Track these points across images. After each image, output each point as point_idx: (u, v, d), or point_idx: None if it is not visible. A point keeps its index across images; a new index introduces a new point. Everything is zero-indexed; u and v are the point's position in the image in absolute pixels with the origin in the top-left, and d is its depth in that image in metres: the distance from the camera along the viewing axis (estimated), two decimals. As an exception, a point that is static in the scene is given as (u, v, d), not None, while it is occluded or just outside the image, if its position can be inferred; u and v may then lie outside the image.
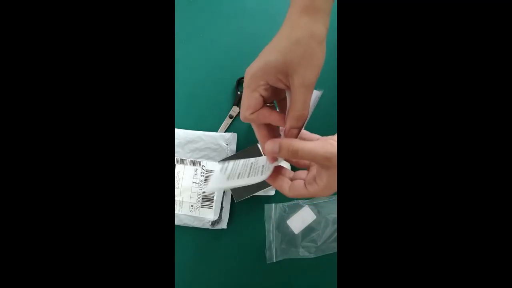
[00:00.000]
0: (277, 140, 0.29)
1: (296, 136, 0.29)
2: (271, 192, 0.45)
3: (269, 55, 0.28)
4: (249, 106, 0.29)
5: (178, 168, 0.46)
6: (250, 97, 0.29)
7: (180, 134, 0.47)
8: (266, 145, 0.29)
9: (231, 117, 0.48)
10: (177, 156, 0.46)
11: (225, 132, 0.48)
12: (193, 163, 0.46)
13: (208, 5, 0.52)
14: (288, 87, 0.28)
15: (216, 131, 0.48)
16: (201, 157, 0.46)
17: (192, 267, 0.46)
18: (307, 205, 0.46)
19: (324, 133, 0.32)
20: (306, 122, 0.29)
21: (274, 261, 0.45)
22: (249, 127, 0.42)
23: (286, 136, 0.29)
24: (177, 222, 0.46)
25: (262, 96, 0.29)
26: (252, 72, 0.28)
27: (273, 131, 0.31)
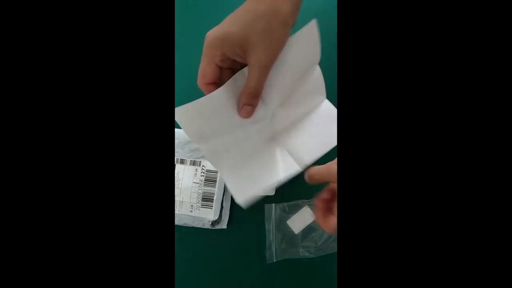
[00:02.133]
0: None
1: (251, 112, 0.30)
2: (271, 192, 0.45)
3: (230, 26, 0.27)
4: (204, 75, 0.29)
5: (178, 168, 0.46)
6: (206, 66, 0.28)
7: (180, 134, 0.47)
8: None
9: (231, 117, 0.48)
10: (177, 156, 0.46)
11: (225, 132, 0.48)
12: (193, 163, 0.46)
13: (208, 5, 0.52)
14: (245, 62, 0.28)
15: (216, 131, 0.48)
16: (201, 157, 0.46)
17: (192, 267, 0.46)
18: (307, 205, 0.46)
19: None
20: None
21: (274, 261, 0.45)
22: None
23: (239, 113, 0.30)
24: (177, 222, 0.46)
25: (219, 67, 0.29)
26: (210, 40, 0.27)
27: None
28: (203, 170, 0.46)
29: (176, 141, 0.47)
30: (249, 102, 0.29)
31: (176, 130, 0.47)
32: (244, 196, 0.31)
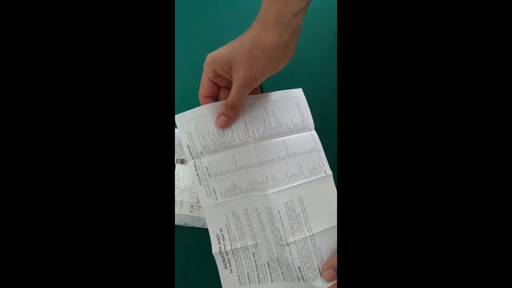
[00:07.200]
0: (329, 267, 0.33)
1: (226, 123, 0.34)
2: None
3: (223, 49, 0.33)
4: (201, 88, 0.36)
5: (178, 168, 0.46)
6: (202, 79, 0.35)
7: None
8: (325, 275, 0.33)
9: (231, 117, 0.48)
10: (177, 156, 0.46)
11: (225, 132, 0.48)
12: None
13: (208, 5, 0.52)
14: (231, 80, 0.33)
15: (216, 131, 0.48)
16: (201, 157, 0.46)
17: (192, 267, 0.46)
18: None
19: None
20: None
21: (274, 261, 0.45)
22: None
23: (216, 121, 0.35)
24: (177, 222, 0.46)
25: (212, 81, 0.35)
26: (206, 58, 0.34)
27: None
28: (203, 170, 0.46)
29: (176, 141, 0.47)
30: (225, 113, 0.34)
31: (176, 130, 0.47)
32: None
